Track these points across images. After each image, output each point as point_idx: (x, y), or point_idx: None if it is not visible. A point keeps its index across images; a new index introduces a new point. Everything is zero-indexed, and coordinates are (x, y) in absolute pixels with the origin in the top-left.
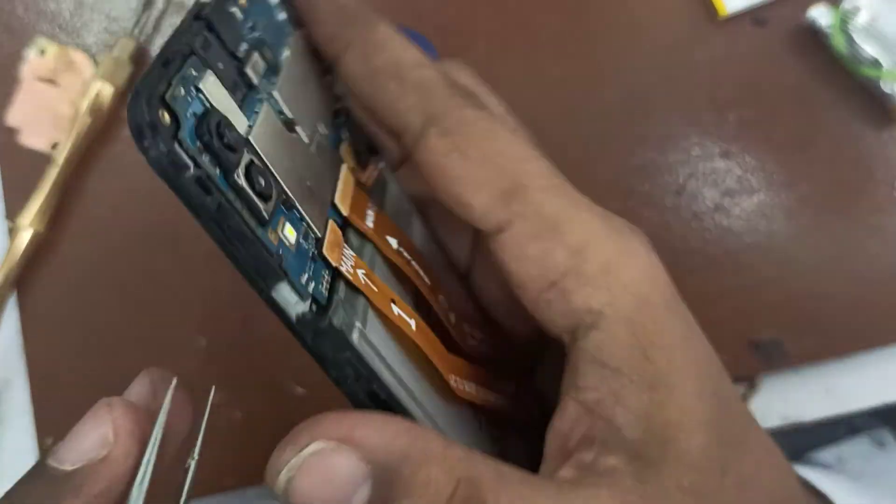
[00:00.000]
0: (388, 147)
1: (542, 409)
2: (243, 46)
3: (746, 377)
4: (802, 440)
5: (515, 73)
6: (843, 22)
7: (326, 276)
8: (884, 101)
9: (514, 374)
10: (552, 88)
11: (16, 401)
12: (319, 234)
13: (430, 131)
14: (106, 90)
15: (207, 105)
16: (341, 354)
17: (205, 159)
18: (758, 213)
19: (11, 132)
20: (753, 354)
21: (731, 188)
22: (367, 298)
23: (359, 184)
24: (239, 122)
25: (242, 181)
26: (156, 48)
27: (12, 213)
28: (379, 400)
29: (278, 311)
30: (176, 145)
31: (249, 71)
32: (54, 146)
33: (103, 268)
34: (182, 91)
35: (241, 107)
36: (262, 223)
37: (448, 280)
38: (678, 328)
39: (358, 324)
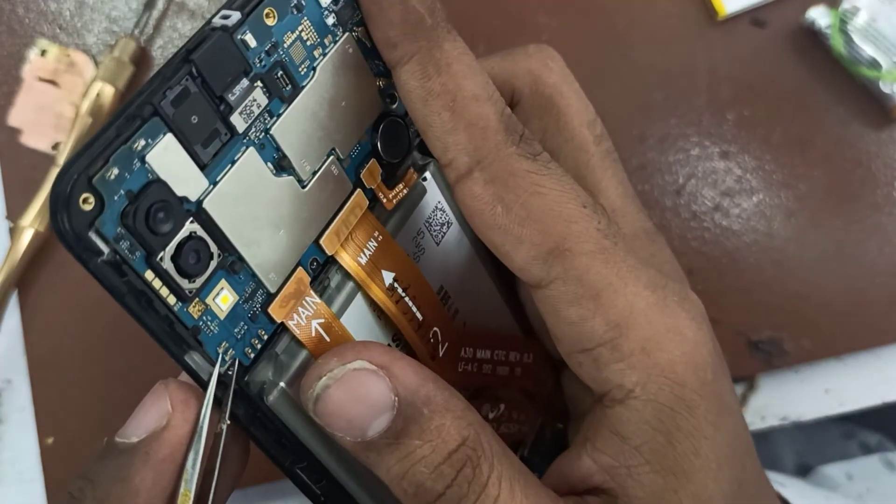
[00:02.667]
0: None
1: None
2: (240, 85)
3: (746, 377)
4: (812, 453)
5: None
6: (842, 22)
7: (265, 333)
8: (883, 101)
9: (502, 398)
10: None
11: (17, 400)
12: (272, 290)
13: (475, 176)
14: (107, 91)
15: (150, 177)
16: (253, 411)
17: (124, 244)
18: (757, 213)
19: (13, 132)
20: (753, 354)
21: (730, 188)
22: (311, 352)
23: (374, 208)
24: (194, 187)
25: (166, 263)
26: (156, 48)
27: (13, 214)
28: (296, 452)
29: (189, 372)
30: (91, 232)
31: (237, 118)
32: (55, 147)
33: None
34: (116, 172)
35: (206, 165)
36: (183, 300)
37: (482, 287)
38: (711, 412)
39: (282, 383)
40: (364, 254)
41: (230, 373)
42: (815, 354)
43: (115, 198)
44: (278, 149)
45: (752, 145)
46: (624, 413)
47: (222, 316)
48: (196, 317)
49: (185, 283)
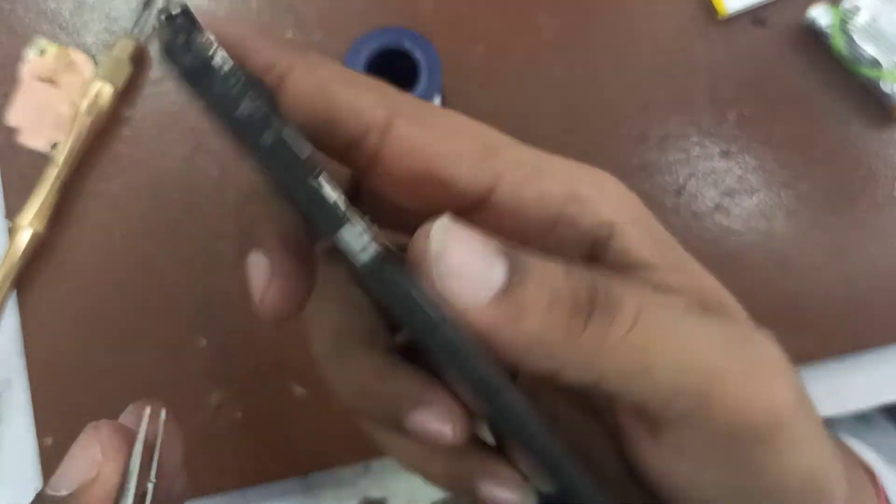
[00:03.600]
0: None
1: None
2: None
3: None
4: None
5: (515, 73)
6: (843, 22)
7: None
8: (883, 100)
9: None
10: (552, 88)
11: (16, 400)
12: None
13: (398, 121)
14: (105, 90)
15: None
16: (416, 300)
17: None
18: (758, 212)
19: (11, 132)
20: None
21: (731, 188)
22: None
23: None
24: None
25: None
26: (155, 48)
27: (12, 213)
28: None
29: (349, 257)
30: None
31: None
32: (54, 146)
33: (103, 268)
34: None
35: None
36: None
37: None
38: (662, 228)
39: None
40: None
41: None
42: (816, 354)
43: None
44: None
45: (753, 145)
46: (618, 243)
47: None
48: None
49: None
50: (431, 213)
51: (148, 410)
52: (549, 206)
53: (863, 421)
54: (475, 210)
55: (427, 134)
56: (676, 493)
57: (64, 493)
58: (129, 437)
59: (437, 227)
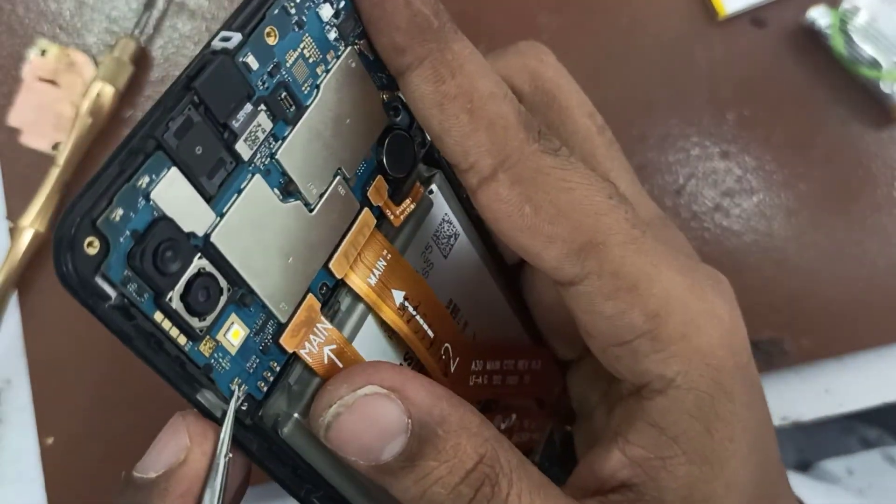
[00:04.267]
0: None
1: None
2: (244, 111)
3: None
4: (813, 449)
5: None
6: (843, 22)
7: (277, 365)
8: (883, 101)
9: (525, 397)
10: None
11: (17, 400)
12: (283, 320)
13: (501, 178)
14: (107, 91)
15: (156, 215)
16: (269, 445)
17: (131, 287)
18: (757, 213)
19: (12, 132)
20: (753, 354)
21: (730, 188)
22: (322, 378)
23: (381, 226)
24: (201, 221)
25: (176, 303)
26: (156, 48)
27: (13, 214)
28: (313, 482)
29: (202, 410)
30: (97, 277)
31: (241, 146)
32: (55, 147)
33: None
34: (121, 212)
35: (213, 197)
36: (194, 339)
37: (486, 292)
38: (745, 396)
39: (296, 414)
40: (374, 274)
41: (242, 407)
42: (816, 354)
43: (121, 239)
44: (284, 173)
45: (753, 145)
46: (664, 403)
47: (234, 351)
48: (207, 355)
49: (195, 322)
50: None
51: (233, 401)
52: (623, 331)
53: (888, 460)
54: (566, 286)
55: (525, 205)
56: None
57: (153, 475)
58: (213, 426)
59: (336, 404)
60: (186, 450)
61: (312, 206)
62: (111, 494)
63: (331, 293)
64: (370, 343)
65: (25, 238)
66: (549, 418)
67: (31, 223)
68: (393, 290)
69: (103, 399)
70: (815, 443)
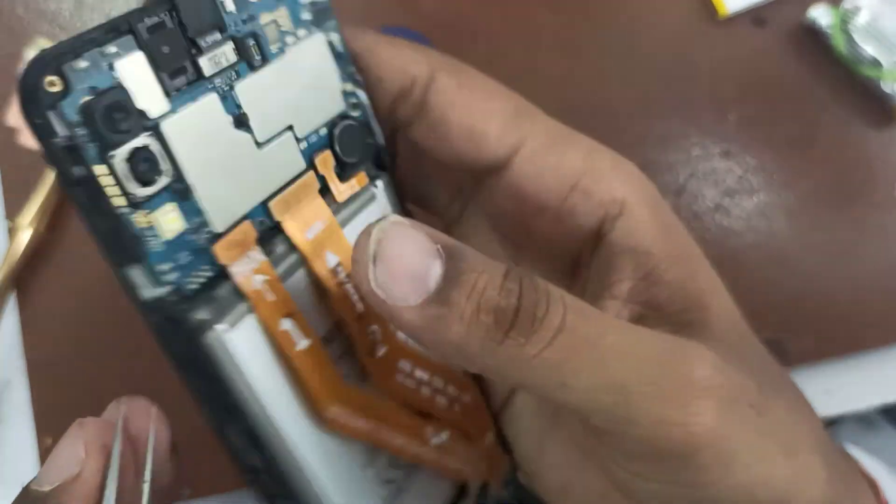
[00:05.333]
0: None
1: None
2: (213, 37)
3: None
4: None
5: (515, 73)
6: (843, 22)
7: (207, 271)
8: (884, 101)
9: (453, 426)
10: (552, 88)
11: (16, 401)
12: (218, 230)
13: (439, 74)
14: None
15: (115, 83)
16: (187, 349)
17: (80, 132)
18: (758, 212)
19: (11, 132)
20: None
21: (731, 188)
22: (251, 305)
23: (325, 195)
24: (155, 105)
25: (118, 161)
26: None
27: (12, 213)
28: (227, 410)
29: (127, 289)
30: (52, 111)
31: (204, 62)
32: None
33: (103, 267)
34: (86, 64)
35: (170, 93)
36: (132, 205)
37: None
38: (673, 214)
39: (221, 325)
40: (311, 230)
41: (170, 299)
42: (817, 355)
43: (79, 87)
44: (239, 107)
45: (753, 145)
46: (625, 222)
47: (168, 237)
48: (140, 226)
49: (134, 187)
50: (460, 169)
51: (124, 408)
52: (567, 175)
53: (865, 424)
54: (499, 169)
55: (465, 89)
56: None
57: (47, 489)
58: (110, 432)
59: (377, 227)
60: (81, 462)
61: (261, 145)
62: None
63: (267, 232)
64: (300, 294)
65: (24, 237)
66: (483, 462)
67: (30, 222)
68: (327, 252)
69: (102, 399)
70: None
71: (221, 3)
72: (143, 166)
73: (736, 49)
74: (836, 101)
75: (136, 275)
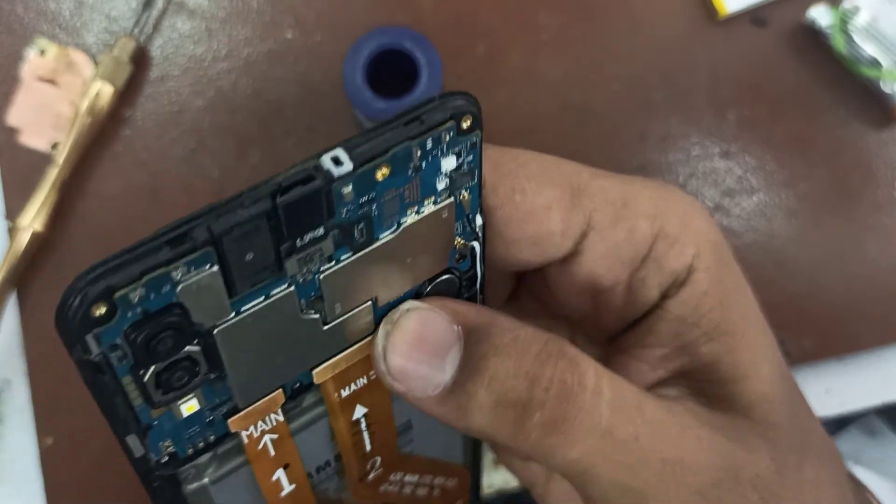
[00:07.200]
0: None
1: None
2: (316, 232)
3: None
4: None
5: (515, 73)
6: (843, 22)
7: (213, 437)
8: (884, 101)
9: None
10: (552, 88)
11: (16, 401)
12: (241, 406)
13: (484, 191)
14: (106, 90)
15: (173, 301)
16: (170, 494)
17: (115, 354)
18: (758, 212)
19: (11, 132)
20: None
21: (731, 188)
22: (249, 460)
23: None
24: (215, 316)
25: (148, 377)
26: (155, 48)
27: (12, 213)
28: None
29: (125, 448)
30: (90, 335)
31: (292, 263)
32: (54, 146)
33: None
34: (142, 293)
35: (238, 295)
36: (150, 404)
37: None
38: (739, 267)
39: (206, 479)
40: (349, 388)
41: (162, 461)
42: (816, 355)
43: (129, 314)
44: (318, 290)
45: (753, 145)
46: (686, 292)
47: (180, 419)
48: (153, 417)
49: (157, 396)
50: (531, 268)
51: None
52: (639, 247)
53: (868, 433)
54: (573, 256)
55: (517, 194)
56: None
57: None
58: None
59: (388, 318)
60: None
61: (328, 322)
62: (110, 494)
63: (300, 392)
64: (309, 440)
65: (24, 238)
66: None
67: (30, 223)
68: (357, 406)
69: None
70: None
71: (340, 194)
72: (177, 375)
73: (735, 49)
74: (836, 100)
75: (133, 443)
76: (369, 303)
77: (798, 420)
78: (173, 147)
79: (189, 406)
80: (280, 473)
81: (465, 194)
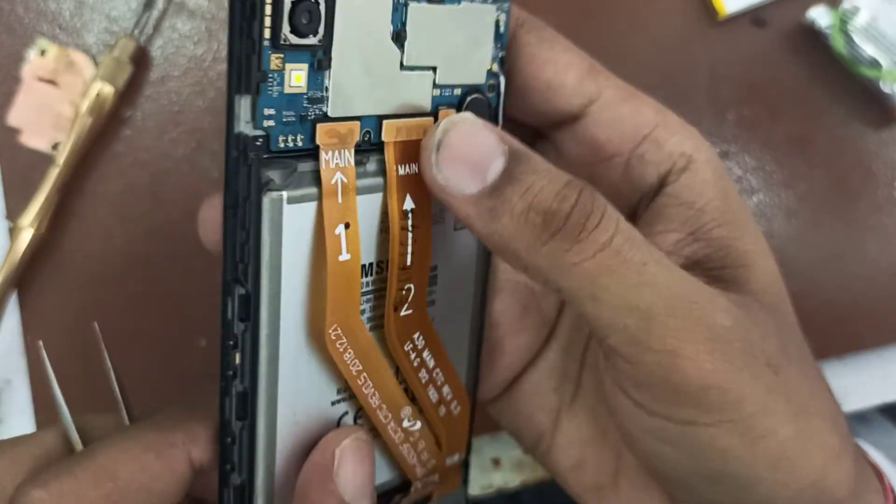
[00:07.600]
0: None
1: None
2: None
3: None
4: None
5: None
6: (843, 22)
7: (301, 141)
8: (883, 100)
9: (430, 425)
10: None
11: (16, 401)
12: (329, 114)
13: (520, 30)
14: (106, 90)
15: None
16: (246, 196)
17: None
18: (757, 212)
19: (12, 132)
20: None
21: None
22: (321, 194)
23: None
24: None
25: (287, 1)
26: (156, 48)
27: (13, 214)
28: (242, 271)
29: (229, 115)
30: None
31: None
32: (55, 146)
33: (103, 268)
34: None
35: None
36: (275, 45)
37: None
38: (731, 181)
39: (286, 195)
40: (404, 167)
41: (257, 143)
42: (816, 354)
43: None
44: (404, 23)
45: (753, 145)
46: (688, 177)
47: (287, 91)
48: (271, 66)
49: (285, 29)
50: (536, 124)
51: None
52: (641, 124)
53: (859, 419)
54: (573, 119)
55: (543, 43)
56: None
57: None
58: None
59: (448, 118)
60: None
61: (404, 67)
62: None
63: (367, 146)
64: (364, 215)
65: (25, 238)
66: (437, 476)
67: (31, 223)
68: (408, 195)
69: (103, 399)
70: None
71: None
72: (303, 17)
73: (735, 49)
74: (836, 101)
75: (243, 106)
76: (431, 73)
77: (792, 318)
78: (173, 147)
79: (297, 76)
80: (341, 230)
81: (502, 16)
